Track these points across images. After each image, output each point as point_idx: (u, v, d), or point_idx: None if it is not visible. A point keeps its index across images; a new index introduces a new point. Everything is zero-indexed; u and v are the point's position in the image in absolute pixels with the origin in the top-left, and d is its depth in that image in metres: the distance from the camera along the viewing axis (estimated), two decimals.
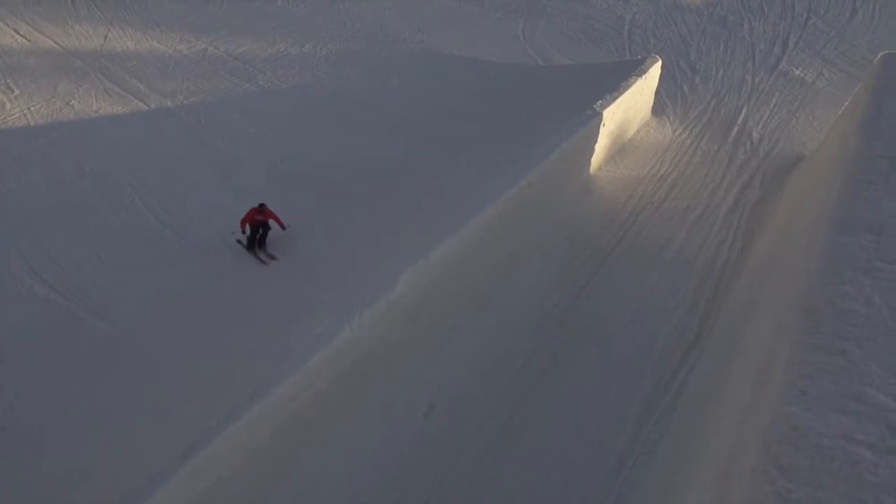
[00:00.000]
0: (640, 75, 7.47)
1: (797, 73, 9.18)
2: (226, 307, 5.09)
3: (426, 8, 12.52)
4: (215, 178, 6.88)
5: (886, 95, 4.99)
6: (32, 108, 8.12)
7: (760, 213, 6.39)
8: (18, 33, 10.18)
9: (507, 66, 9.43)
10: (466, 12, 12.40)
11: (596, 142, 7.01)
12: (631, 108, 7.61)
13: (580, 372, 4.86)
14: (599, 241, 6.23)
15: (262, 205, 5.69)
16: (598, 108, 6.85)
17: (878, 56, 5.96)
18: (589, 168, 7.19)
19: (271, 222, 5.85)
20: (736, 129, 8.05)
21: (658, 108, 8.60)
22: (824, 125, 7.15)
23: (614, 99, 7.06)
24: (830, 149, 5.70)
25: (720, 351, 4.59)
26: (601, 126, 6.89)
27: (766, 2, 11.59)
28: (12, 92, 8.46)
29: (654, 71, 7.84)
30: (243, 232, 5.78)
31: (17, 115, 7.99)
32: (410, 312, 4.82)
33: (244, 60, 9.71)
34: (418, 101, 8.06)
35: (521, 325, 5.25)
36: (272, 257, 5.74)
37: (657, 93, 8.39)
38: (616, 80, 7.48)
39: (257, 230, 5.75)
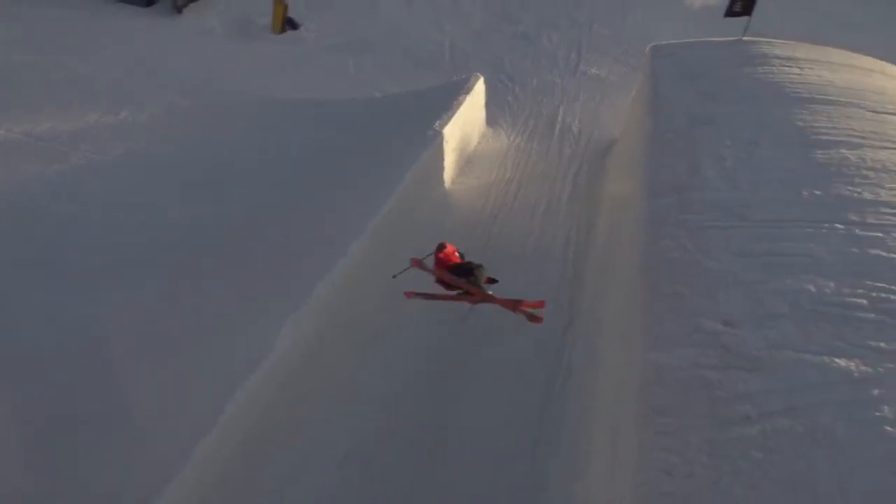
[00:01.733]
0: (468, 93, 8.07)
1: (593, 71, 10.70)
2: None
3: (250, 53, 12.21)
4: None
5: (658, 79, 6.05)
6: None
7: (594, 194, 7.28)
8: None
9: (345, 102, 9.54)
10: (293, 54, 12.35)
11: (443, 159, 7.40)
12: (467, 122, 8.17)
13: (480, 377, 5.02)
14: (468, 249, 6.54)
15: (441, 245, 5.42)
16: (438, 128, 7.24)
17: (648, 48, 7.18)
18: (443, 184, 7.56)
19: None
20: (558, 126, 9.09)
21: (491, 119, 9.35)
22: (623, 111, 8.42)
23: (451, 117, 7.52)
24: (630, 129, 6.74)
25: (592, 322, 5.07)
26: (444, 144, 7.29)
27: (557, 17, 13.30)
28: None
29: (479, 87, 8.53)
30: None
31: None
32: (303, 364, 4.55)
33: (49, 139, 8.41)
34: (257, 150, 7.73)
35: (416, 348, 5.28)
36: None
37: (487, 105, 9.12)
38: (448, 99, 7.98)
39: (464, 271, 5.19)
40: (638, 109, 6.31)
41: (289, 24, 13.46)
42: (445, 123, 7.32)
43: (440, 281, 5.35)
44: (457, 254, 5.56)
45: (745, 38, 6.38)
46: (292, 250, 5.21)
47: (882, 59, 6.33)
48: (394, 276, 5.32)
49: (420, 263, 5.44)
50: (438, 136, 7.12)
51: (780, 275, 3.37)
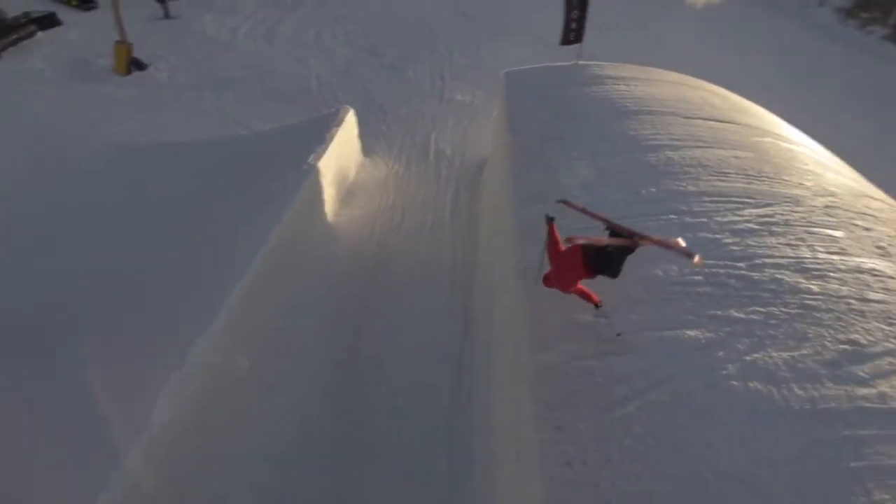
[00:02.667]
0: (339, 125, 8.06)
1: (459, 98, 11.33)
2: None
3: (93, 96, 11.06)
4: None
5: (513, 101, 6.60)
6: None
7: (474, 210, 7.65)
8: None
9: (209, 143, 8.98)
10: (144, 96, 11.41)
11: (322, 192, 7.26)
12: (342, 154, 8.14)
13: (387, 412, 4.95)
14: (359, 277, 6.49)
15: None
16: (312, 162, 7.11)
17: (502, 74, 7.79)
18: (326, 217, 7.41)
19: None
20: (432, 151, 9.44)
21: (367, 149, 9.43)
22: (489, 132, 9.02)
23: (324, 150, 7.43)
24: (495, 148, 7.22)
25: (484, 331, 5.26)
26: (321, 177, 7.17)
27: (419, 49, 13.90)
28: None
29: (351, 118, 8.57)
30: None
31: None
32: (187, 433, 4.08)
33: None
34: (108, 205, 6.92)
35: (312, 393, 5.05)
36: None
37: (361, 136, 9.18)
38: (320, 133, 7.89)
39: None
40: (500, 130, 6.79)
41: (134, 64, 12.45)
42: (320, 157, 7.21)
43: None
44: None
45: (580, 62, 7.22)
46: (160, 315, 4.67)
47: (685, 73, 7.56)
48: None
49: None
50: (314, 171, 6.99)
51: (636, 264, 3.78)
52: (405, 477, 4.39)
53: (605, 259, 3.02)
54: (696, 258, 2.80)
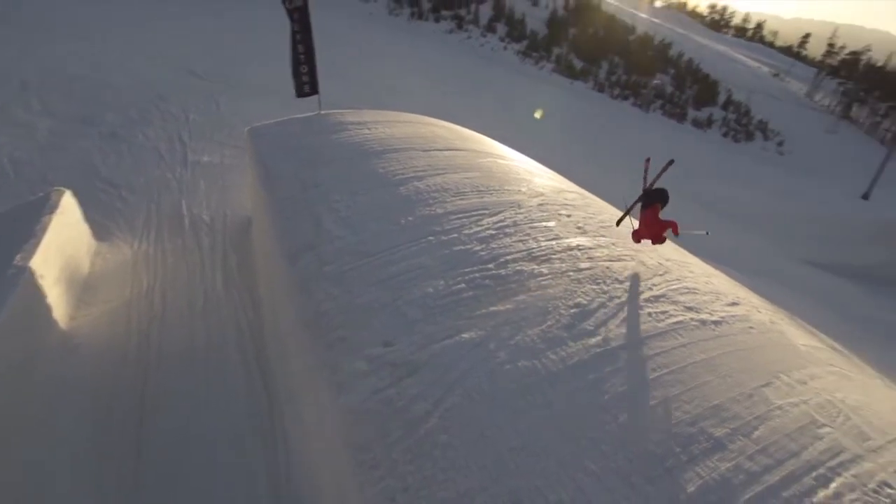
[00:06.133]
0: (51, 212, 6.66)
1: (206, 159, 10.56)
2: None
3: None
4: None
5: (264, 156, 6.49)
6: None
7: (247, 270, 7.18)
8: None
9: None
10: None
11: (45, 297, 5.85)
12: (65, 244, 6.73)
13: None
14: (122, 385, 5.40)
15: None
16: (22, 263, 5.69)
17: (246, 130, 7.59)
18: (58, 325, 5.98)
19: None
20: (187, 219, 8.55)
21: (101, 233, 8.01)
22: (245, 189, 8.64)
23: (37, 245, 6.03)
24: (256, 205, 6.97)
25: (288, 391, 4.97)
26: (39, 279, 5.78)
27: (146, 112, 12.53)
28: None
29: (68, 201, 7.17)
30: None
31: None
32: None
33: None
34: None
35: None
36: None
37: (90, 219, 7.76)
38: (27, 226, 6.39)
39: None
40: (255, 186, 6.58)
41: None
42: (30, 255, 5.81)
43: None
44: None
45: (322, 112, 7.54)
46: None
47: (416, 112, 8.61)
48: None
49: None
50: (25, 273, 5.59)
51: (408, 288, 4.12)
52: None
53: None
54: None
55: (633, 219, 5.16)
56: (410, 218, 4.95)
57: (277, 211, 5.32)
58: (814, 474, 3.19)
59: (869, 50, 68.79)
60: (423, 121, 8.06)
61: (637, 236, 4.73)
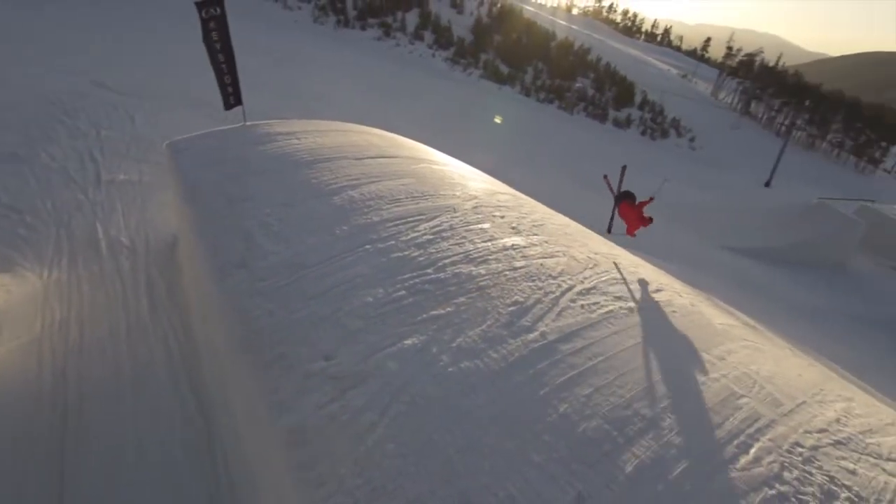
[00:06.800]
0: None
1: (122, 177, 9.85)
2: None
3: None
4: None
5: (186, 171, 6.16)
6: None
7: (176, 294, 6.77)
8: None
9: None
10: None
11: None
12: None
13: None
14: (41, 430, 4.92)
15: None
16: None
17: (165, 144, 7.17)
18: None
19: None
20: (103, 243, 7.94)
21: (3, 264, 7.26)
22: (168, 207, 8.15)
23: None
24: (181, 222, 6.61)
25: (228, 415, 4.74)
26: None
27: (49, 129, 11.52)
28: None
29: None
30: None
31: None
32: None
33: None
34: None
35: None
36: None
37: None
38: None
39: None
40: (180, 203, 6.24)
41: None
42: None
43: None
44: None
45: (248, 123, 7.28)
46: None
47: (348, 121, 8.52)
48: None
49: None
50: None
51: (349, 298, 4.07)
52: None
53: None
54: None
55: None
56: (346, 227, 4.89)
57: (205, 228, 5.07)
58: (735, 442, 3.48)
59: (761, 52, 76.09)
60: (355, 129, 7.99)
61: (631, 231, 5.72)
